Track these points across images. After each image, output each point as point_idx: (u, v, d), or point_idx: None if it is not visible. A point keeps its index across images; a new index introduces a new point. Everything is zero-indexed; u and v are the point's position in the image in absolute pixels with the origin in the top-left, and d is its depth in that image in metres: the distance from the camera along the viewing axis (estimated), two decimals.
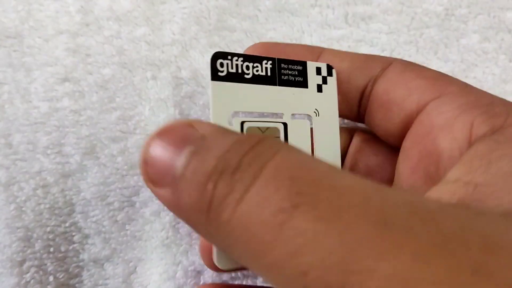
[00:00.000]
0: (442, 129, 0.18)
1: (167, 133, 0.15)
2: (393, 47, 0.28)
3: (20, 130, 0.25)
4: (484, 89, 0.19)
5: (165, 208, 0.26)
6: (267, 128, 0.20)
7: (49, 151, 0.25)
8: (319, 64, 0.21)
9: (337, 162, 0.21)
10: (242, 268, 0.20)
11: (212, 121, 0.19)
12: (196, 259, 0.26)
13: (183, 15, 0.27)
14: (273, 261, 0.12)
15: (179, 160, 0.14)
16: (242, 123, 0.20)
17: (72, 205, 0.26)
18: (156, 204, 0.26)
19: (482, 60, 0.29)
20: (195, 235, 0.26)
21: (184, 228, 0.26)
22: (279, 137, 0.20)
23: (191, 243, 0.26)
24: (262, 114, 0.21)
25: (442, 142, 0.18)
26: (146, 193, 0.26)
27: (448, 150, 0.18)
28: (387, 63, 0.20)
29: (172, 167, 0.14)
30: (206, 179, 0.13)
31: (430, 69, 0.20)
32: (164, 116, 0.26)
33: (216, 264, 0.19)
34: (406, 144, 0.20)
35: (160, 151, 0.15)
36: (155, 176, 0.15)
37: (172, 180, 0.14)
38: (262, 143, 0.14)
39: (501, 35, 0.29)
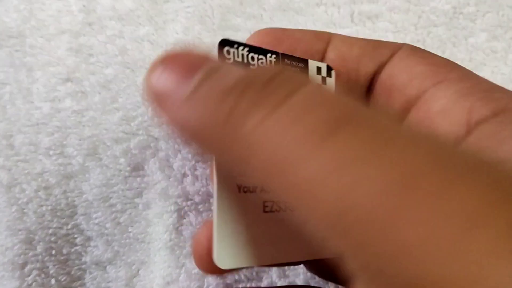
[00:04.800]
0: (439, 114, 0.18)
1: (169, 63, 0.14)
2: None
3: (22, 131, 0.25)
4: None
5: (168, 210, 0.26)
6: None
7: (51, 152, 0.25)
8: (319, 64, 0.21)
9: None
10: (243, 267, 0.20)
11: None
12: None
13: (186, 14, 0.27)
14: (302, 180, 0.11)
15: (192, 80, 0.13)
16: None
17: (74, 207, 0.26)
18: (159, 206, 0.26)
19: (490, 59, 0.28)
20: None
21: (188, 230, 0.26)
22: None
23: None
24: None
25: (439, 127, 0.18)
26: (149, 194, 0.26)
27: (445, 134, 0.17)
28: (397, 48, 0.20)
29: (184, 84, 0.13)
30: (224, 93, 0.12)
31: (436, 55, 0.20)
32: None
33: (216, 263, 0.18)
34: None
35: (167, 77, 0.13)
36: (162, 94, 0.13)
37: (183, 95, 0.13)
38: (289, 72, 0.13)
39: (510, 33, 0.28)
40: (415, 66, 0.19)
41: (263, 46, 0.19)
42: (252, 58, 0.19)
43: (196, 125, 0.13)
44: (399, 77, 0.19)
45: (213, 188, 0.18)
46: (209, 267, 0.19)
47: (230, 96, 0.12)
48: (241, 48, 0.19)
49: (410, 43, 0.28)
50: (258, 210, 0.18)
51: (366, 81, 0.21)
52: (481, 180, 0.10)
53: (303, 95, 0.12)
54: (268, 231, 0.18)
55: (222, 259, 0.18)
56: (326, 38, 0.21)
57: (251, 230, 0.18)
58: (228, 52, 0.19)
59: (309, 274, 0.26)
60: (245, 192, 0.18)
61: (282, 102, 0.12)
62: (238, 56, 0.19)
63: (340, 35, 0.21)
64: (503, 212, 0.09)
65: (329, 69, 0.21)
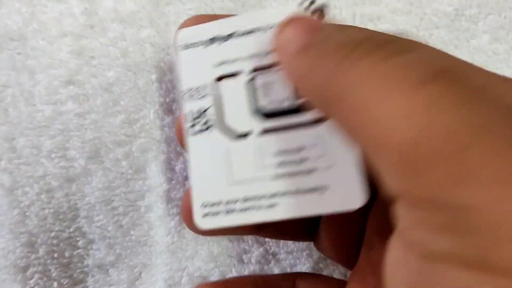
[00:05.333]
0: None
1: (295, 21, 0.17)
2: None
3: (24, 134, 0.25)
4: None
5: (171, 213, 0.26)
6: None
7: (53, 155, 0.25)
8: None
9: None
10: (224, 233, 0.20)
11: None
12: (202, 264, 0.26)
13: (188, 17, 0.27)
14: (396, 108, 0.12)
15: (312, 36, 0.16)
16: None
17: (77, 210, 0.25)
18: (161, 209, 0.26)
19: (493, 61, 0.28)
20: (200, 240, 0.26)
21: (190, 233, 0.26)
22: None
23: (197, 248, 0.26)
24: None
25: None
26: (151, 197, 0.26)
27: None
28: None
29: (304, 38, 0.16)
30: (342, 43, 0.14)
31: None
32: (169, 119, 0.26)
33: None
34: None
35: (291, 32, 0.17)
36: (284, 45, 0.17)
37: (303, 45, 0.16)
38: (403, 39, 0.14)
39: None
40: None
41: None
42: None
43: (308, 68, 0.15)
44: None
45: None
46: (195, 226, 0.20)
47: (347, 46, 0.14)
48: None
49: None
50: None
51: None
52: None
53: (403, 57, 0.13)
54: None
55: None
56: None
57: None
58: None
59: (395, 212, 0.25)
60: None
61: (395, 54, 0.13)
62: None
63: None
64: None
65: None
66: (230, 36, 0.20)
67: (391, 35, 0.15)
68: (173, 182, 0.26)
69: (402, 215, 0.13)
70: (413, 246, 0.12)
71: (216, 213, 0.19)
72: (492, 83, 0.13)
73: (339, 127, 0.14)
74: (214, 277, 0.26)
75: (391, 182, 0.13)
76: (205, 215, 0.19)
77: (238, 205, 0.19)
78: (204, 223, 0.19)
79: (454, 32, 0.28)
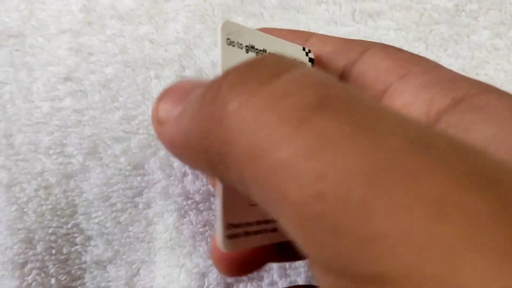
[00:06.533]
0: (401, 108, 0.18)
1: (167, 94, 0.15)
2: (402, 44, 0.28)
3: (22, 130, 0.25)
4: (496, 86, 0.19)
5: (169, 209, 0.25)
6: None
7: (51, 152, 0.25)
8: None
9: None
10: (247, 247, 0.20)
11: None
12: (200, 261, 0.26)
13: (187, 13, 0.27)
14: (285, 158, 0.10)
15: (183, 103, 0.14)
16: None
17: (75, 206, 0.25)
18: (160, 205, 0.26)
19: (493, 57, 0.28)
20: (199, 236, 0.26)
21: (188, 230, 0.26)
22: None
23: (195, 245, 0.26)
24: None
25: None
26: (150, 194, 0.26)
27: None
28: (367, 46, 0.20)
29: (176, 109, 0.14)
30: (206, 87, 0.13)
31: (405, 51, 0.20)
32: None
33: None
34: None
35: (163, 106, 0.15)
36: (160, 121, 0.15)
37: (174, 116, 0.14)
38: (275, 55, 0.13)
39: None
40: (382, 62, 0.19)
41: None
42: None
43: (182, 135, 0.14)
44: (368, 73, 0.20)
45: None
46: (230, 269, 0.20)
47: (211, 87, 0.12)
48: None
49: (411, 41, 0.28)
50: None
51: (337, 77, 0.21)
52: (455, 167, 0.09)
53: (289, 76, 0.11)
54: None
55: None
56: (306, 37, 0.21)
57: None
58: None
59: (309, 273, 0.26)
60: None
61: (268, 81, 0.11)
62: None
63: (320, 34, 0.22)
64: (477, 200, 0.09)
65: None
66: (263, 52, 0.20)
67: (254, 59, 0.13)
68: (171, 178, 0.26)
69: (317, 279, 0.11)
70: None
71: (237, 235, 0.19)
72: (381, 114, 0.11)
73: (235, 185, 0.12)
74: (213, 274, 0.26)
75: (298, 245, 0.11)
76: (229, 237, 0.19)
77: (253, 228, 0.19)
78: (228, 245, 0.19)
79: (454, 27, 0.28)
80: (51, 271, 0.25)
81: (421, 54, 0.27)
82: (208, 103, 0.12)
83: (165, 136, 0.14)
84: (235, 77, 0.12)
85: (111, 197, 0.26)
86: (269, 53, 0.13)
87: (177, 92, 0.15)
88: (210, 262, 0.26)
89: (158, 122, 0.15)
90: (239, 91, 0.12)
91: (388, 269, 0.09)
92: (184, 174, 0.26)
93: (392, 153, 0.10)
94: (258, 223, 0.19)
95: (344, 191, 0.09)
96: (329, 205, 0.09)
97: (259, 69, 0.12)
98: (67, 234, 0.25)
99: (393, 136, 0.10)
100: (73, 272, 0.26)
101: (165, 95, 0.15)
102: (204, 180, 0.26)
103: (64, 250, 0.25)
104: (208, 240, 0.26)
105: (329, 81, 0.11)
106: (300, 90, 0.11)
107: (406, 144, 0.10)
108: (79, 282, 0.26)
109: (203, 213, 0.26)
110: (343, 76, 0.21)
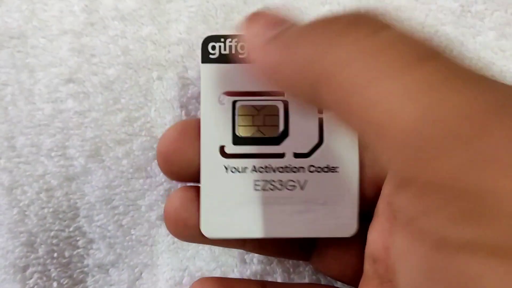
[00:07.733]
0: None
1: (261, 16, 0.16)
2: None
3: (24, 133, 0.25)
4: None
5: None
6: (263, 106, 0.20)
7: (53, 154, 0.25)
8: None
9: (354, 147, 0.20)
10: (228, 238, 0.21)
11: (202, 101, 0.20)
12: (203, 264, 0.26)
13: (189, 14, 0.27)
14: (383, 96, 0.11)
15: (276, 29, 0.15)
16: (234, 102, 0.20)
17: (76, 209, 0.25)
18: (162, 208, 0.26)
19: (499, 58, 0.28)
20: None
21: None
22: (277, 115, 0.20)
23: (198, 248, 0.26)
24: (257, 94, 0.21)
25: None
26: (152, 196, 0.26)
27: None
28: None
29: (269, 31, 0.15)
30: (307, 30, 0.14)
31: None
32: (170, 117, 0.26)
33: (203, 232, 0.20)
34: None
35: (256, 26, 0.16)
36: (250, 39, 0.16)
37: (268, 38, 0.15)
38: (374, 13, 0.14)
39: None
40: None
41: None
42: (242, 47, 0.20)
43: (275, 60, 0.14)
44: None
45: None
46: (184, 234, 0.21)
47: (312, 32, 0.13)
48: (228, 40, 0.20)
49: None
50: (248, 188, 0.20)
51: None
52: None
53: (389, 33, 0.12)
54: (258, 208, 0.20)
55: (208, 229, 0.20)
56: None
57: (239, 204, 0.20)
58: (213, 47, 0.20)
59: (313, 277, 0.25)
60: (233, 172, 0.20)
61: (376, 31, 0.12)
62: (225, 49, 0.20)
63: None
64: None
65: None
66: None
67: (355, 11, 0.14)
68: (173, 181, 0.25)
69: (410, 203, 0.11)
70: (423, 236, 0.11)
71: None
72: (484, 75, 0.12)
73: (330, 113, 0.13)
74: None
75: (395, 168, 0.12)
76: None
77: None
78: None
79: (460, 28, 0.28)
80: (53, 274, 0.25)
81: None
82: (320, 36, 0.13)
83: (261, 56, 0.15)
84: (339, 27, 0.13)
85: (113, 199, 0.25)
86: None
87: (269, 17, 0.16)
88: (213, 265, 0.26)
89: (249, 39, 0.16)
90: (352, 33, 0.12)
91: (497, 186, 0.10)
92: None
93: (500, 99, 0.11)
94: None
95: (459, 120, 0.10)
96: (440, 129, 0.10)
97: (364, 21, 0.13)
98: (69, 237, 0.25)
99: (497, 88, 0.11)
100: (75, 275, 0.26)
101: (256, 17, 0.16)
102: None
103: (66, 254, 0.25)
104: None
105: (427, 40, 0.12)
106: (409, 42, 0.12)
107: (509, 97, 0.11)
108: (81, 286, 0.26)
109: None
110: None
